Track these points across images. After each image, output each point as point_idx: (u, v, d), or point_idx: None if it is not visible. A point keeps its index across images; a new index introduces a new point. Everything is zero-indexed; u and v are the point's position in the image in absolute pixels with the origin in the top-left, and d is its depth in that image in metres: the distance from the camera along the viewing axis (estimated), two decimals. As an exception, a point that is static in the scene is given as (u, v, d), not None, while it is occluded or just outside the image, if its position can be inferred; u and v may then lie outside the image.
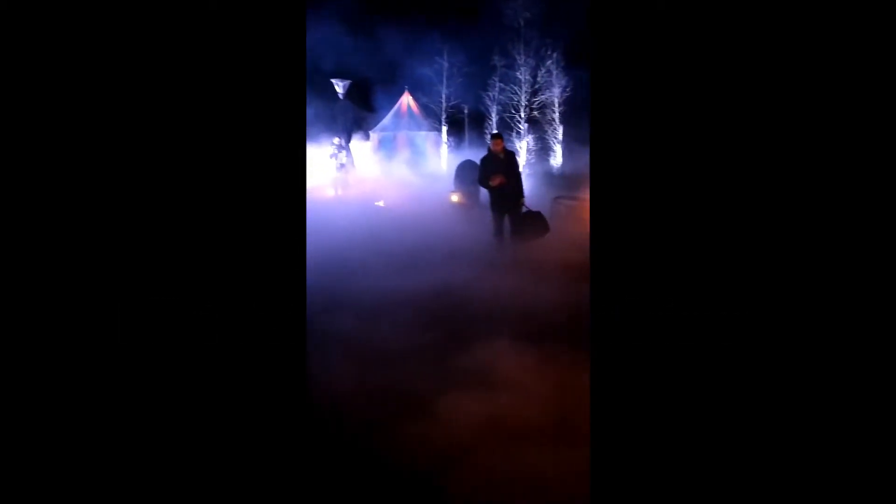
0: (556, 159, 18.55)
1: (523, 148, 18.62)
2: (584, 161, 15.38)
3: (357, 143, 18.04)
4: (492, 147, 6.95)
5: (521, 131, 18.76)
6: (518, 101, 18.49)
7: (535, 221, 6.82)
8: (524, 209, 6.86)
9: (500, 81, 18.53)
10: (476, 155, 14.56)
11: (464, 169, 11.57)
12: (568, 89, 18.41)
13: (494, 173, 6.79)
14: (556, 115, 18.60)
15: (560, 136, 18.57)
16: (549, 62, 18.20)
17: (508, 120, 18.58)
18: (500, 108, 18.64)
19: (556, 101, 18.54)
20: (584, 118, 17.54)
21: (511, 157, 7.10)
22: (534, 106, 18.57)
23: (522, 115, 18.53)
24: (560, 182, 13.95)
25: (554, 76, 18.37)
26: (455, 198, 10.73)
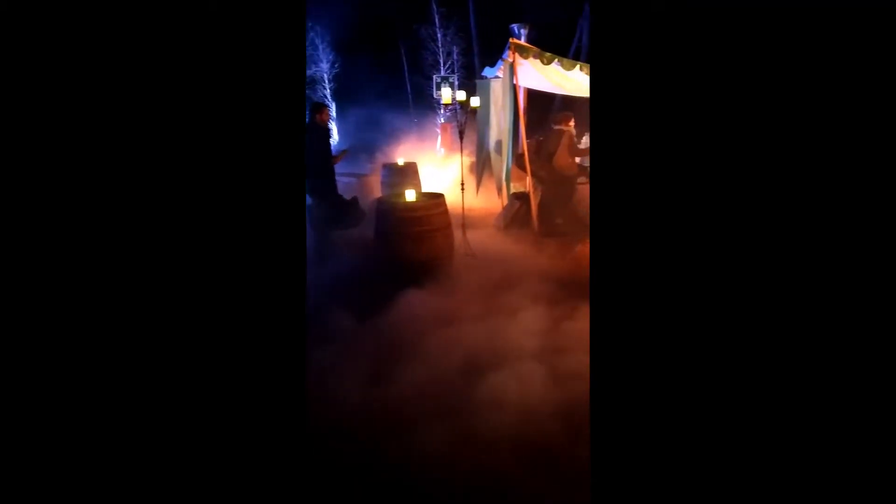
0: (333, 137, 17.85)
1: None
2: (359, 139, 14.98)
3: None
4: (319, 119, 5.81)
5: (292, 110, 17.65)
6: (284, 78, 17.28)
7: (353, 208, 6.12)
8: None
9: (262, 56, 17.11)
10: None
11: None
12: (336, 66, 17.75)
13: (325, 149, 5.82)
14: (328, 92, 17.87)
15: (334, 114, 17.89)
16: (310, 34, 17.26)
17: (276, 98, 17.31)
18: (265, 85, 17.25)
19: (325, 77, 17.76)
20: (357, 95, 17.13)
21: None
22: (302, 82, 17.54)
23: (291, 92, 17.39)
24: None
25: (320, 50, 17.53)
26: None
